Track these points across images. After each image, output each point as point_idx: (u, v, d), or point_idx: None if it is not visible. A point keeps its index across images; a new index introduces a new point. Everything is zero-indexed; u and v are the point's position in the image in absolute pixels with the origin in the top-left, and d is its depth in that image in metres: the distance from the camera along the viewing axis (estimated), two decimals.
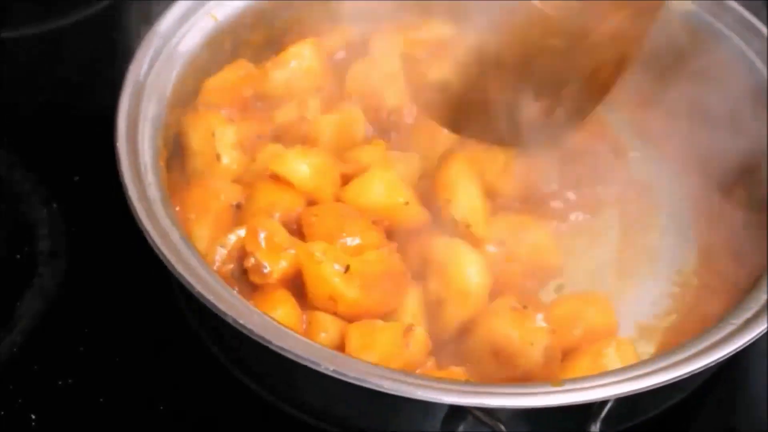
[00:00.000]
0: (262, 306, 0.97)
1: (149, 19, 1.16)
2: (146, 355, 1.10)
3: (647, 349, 1.06)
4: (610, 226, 1.17)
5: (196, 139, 1.13)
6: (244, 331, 0.90)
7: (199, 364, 1.08)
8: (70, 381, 1.07)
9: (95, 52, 1.39)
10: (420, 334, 0.99)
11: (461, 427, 0.92)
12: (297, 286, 1.02)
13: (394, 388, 0.88)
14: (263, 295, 1.01)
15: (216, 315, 0.92)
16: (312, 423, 1.03)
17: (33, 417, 1.04)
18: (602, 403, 0.91)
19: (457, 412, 0.92)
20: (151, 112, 1.09)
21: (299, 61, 1.22)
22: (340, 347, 0.98)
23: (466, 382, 0.96)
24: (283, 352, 0.89)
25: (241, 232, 1.04)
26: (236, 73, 1.21)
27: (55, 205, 1.21)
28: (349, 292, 1.01)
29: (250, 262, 1.01)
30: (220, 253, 1.03)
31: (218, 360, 1.07)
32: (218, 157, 1.12)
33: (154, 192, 1.01)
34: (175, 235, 0.97)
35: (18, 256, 1.17)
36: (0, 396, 1.05)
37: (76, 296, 1.14)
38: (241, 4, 1.24)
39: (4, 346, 1.08)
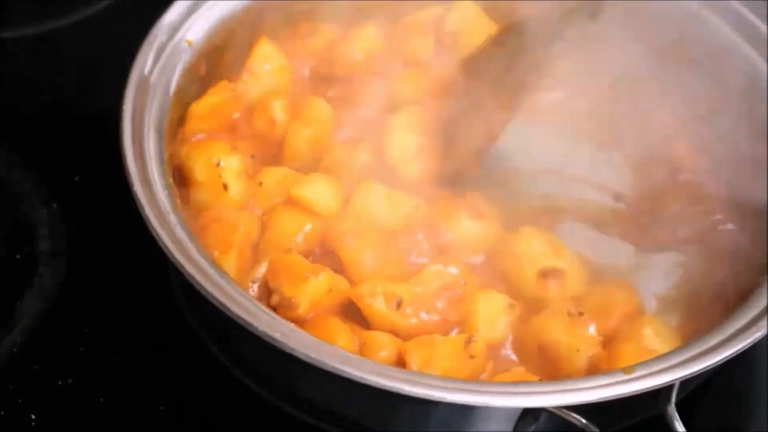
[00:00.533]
0: (320, 337, 0.94)
1: (149, 19, 1.15)
2: (146, 355, 1.10)
3: (672, 320, 1.05)
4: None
5: (199, 170, 1.10)
6: (321, 365, 0.88)
7: (199, 364, 1.08)
8: (70, 381, 1.07)
9: (95, 52, 1.39)
10: (480, 343, 0.99)
11: (533, 427, 0.92)
12: (335, 306, 1.02)
13: (484, 401, 0.88)
14: (315, 326, 0.99)
15: (235, 323, 0.91)
16: (312, 423, 1.03)
17: (33, 417, 1.04)
18: (669, 387, 0.91)
19: (531, 411, 0.91)
20: (153, 147, 1.05)
21: (271, 63, 1.20)
22: (399, 363, 0.97)
23: (541, 382, 0.96)
24: (363, 381, 0.87)
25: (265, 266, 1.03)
26: (219, 95, 1.16)
27: (55, 205, 1.21)
28: (407, 321, 1.01)
29: (275, 299, 1.00)
30: (253, 289, 1.02)
31: (218, 360, 1.07)
32: (225, 187, 1.09)
33: (181, 233, 0.97)
34: (215, 275, 0.94)
35: (18, 256, 1.17)
36: (0, 396, 1.05)
37: (76, 296, 1.14)
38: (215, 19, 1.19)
39: (4, 346, 1.08)
